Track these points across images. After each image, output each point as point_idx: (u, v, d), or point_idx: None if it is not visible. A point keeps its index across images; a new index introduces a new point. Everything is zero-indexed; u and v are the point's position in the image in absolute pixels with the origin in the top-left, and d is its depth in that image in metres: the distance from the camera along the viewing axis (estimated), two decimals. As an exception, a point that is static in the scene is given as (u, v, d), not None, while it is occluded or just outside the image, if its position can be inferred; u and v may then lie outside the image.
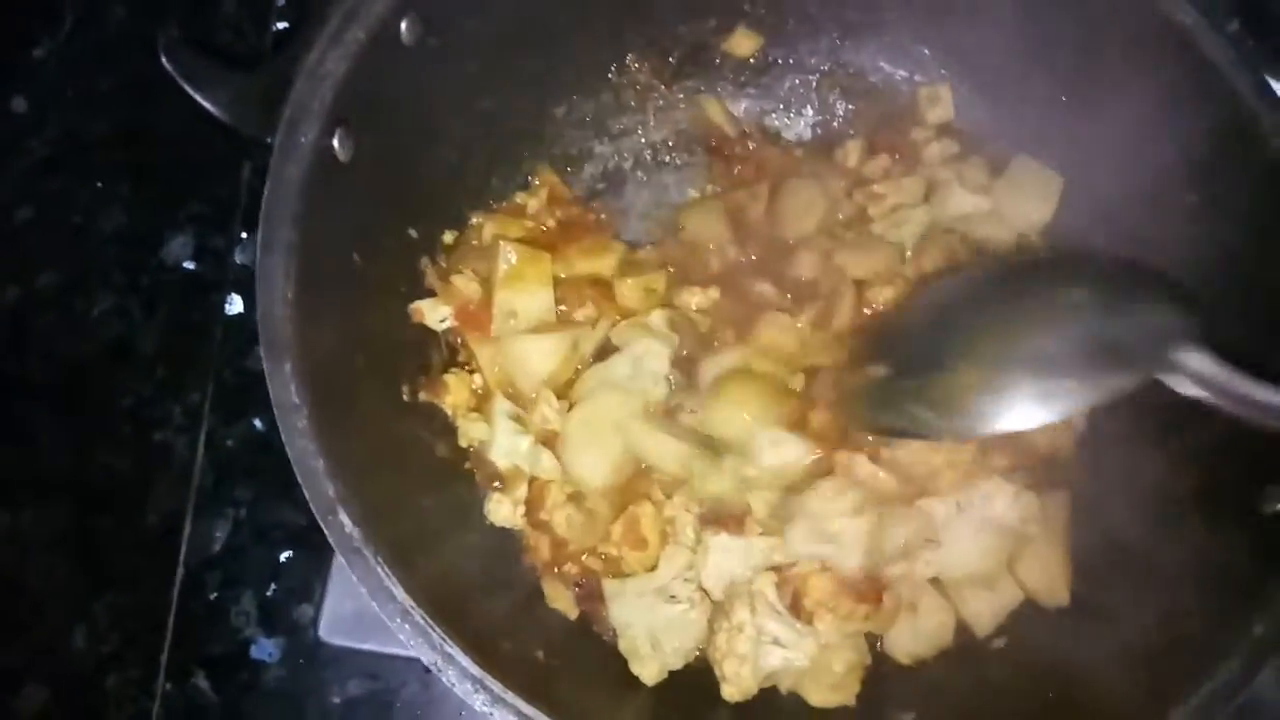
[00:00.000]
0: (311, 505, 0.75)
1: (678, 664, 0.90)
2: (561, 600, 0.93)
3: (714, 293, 1.00)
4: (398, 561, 0.76)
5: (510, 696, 0.72)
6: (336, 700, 1.10)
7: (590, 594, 0.92)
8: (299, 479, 0.76)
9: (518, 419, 0.94)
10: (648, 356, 0.94)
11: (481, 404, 0.96)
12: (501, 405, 0.93)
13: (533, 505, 0.92)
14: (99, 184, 1.25)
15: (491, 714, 0.71)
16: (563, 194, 1.03)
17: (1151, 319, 0.69)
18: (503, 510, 0.94)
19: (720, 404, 0.93)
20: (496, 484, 0.96)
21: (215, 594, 1.13)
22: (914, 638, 0.93)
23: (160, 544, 1.14)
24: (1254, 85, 0.88)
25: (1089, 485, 0.98)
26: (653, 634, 0.89)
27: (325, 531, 0.75)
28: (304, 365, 0.79)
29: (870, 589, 0.87)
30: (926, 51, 1.14)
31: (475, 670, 0.73)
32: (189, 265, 1.24)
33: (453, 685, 0.72)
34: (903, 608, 0.90)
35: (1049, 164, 1.08)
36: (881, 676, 0.93)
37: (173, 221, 1.24)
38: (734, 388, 0.93)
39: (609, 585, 0.91)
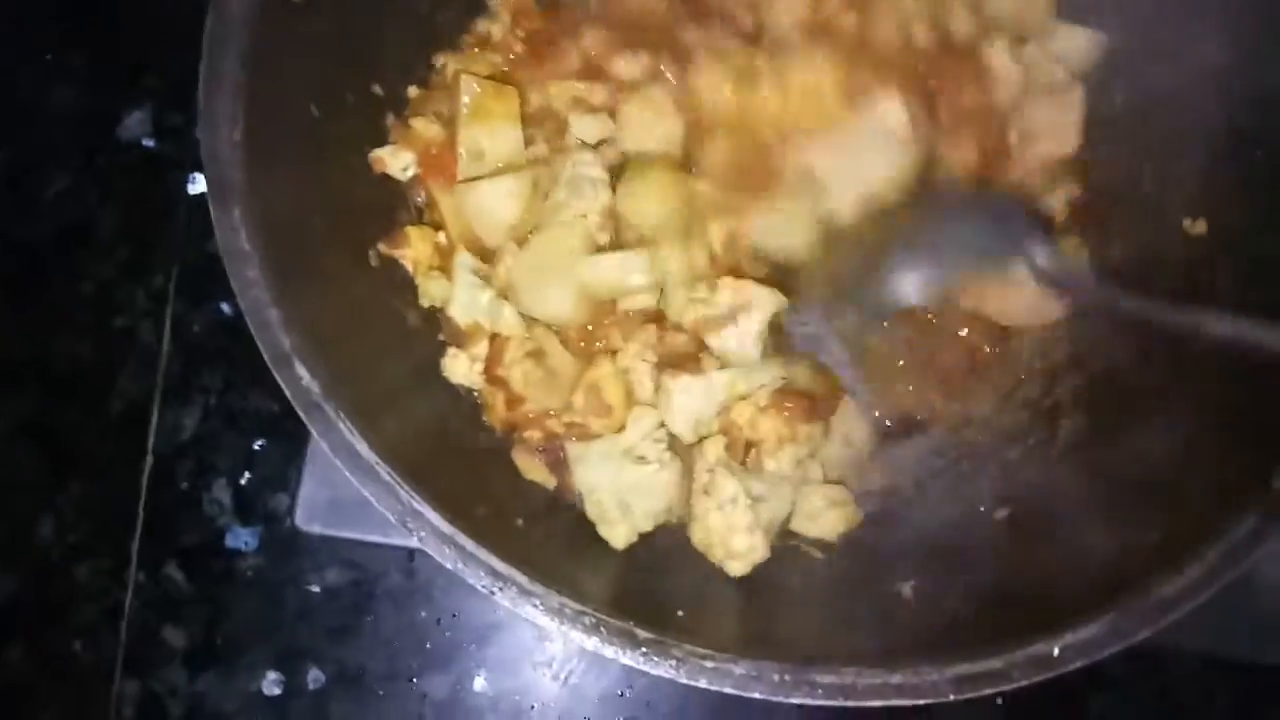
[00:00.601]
0: (266, 357, 0.71)
1: (648, 526, 0.87)
2: (536, 471, 0.88)
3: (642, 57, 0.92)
4: (363, 419, 0.71)
5: (483, 553, 0.68)
6: (315, 589, 1.07)
7: (556, 460, 0.88)
8: (251, 329, 0.71)
9: (479, 273, 0.88)
10: (579, 169, 0.88)
11: (445, 260, 0.90)
12: (463, 259, 0.88)
13: (491, 361, 0.87)
14: (48, 56, 1.18)
15: (463, 571, 0.67)
16: (526, 5, 0.95)
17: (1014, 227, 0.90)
18: (458, 367, 0.89)
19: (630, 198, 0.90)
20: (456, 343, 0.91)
21: (186, 483, 1.09)
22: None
23: (127, 432, 1.09)
24: None
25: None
26: (620, 497, 0.85)
27: (281, 384, 0.70)
28: (255, 213, 0.73)
29: (808, 402, 0.87)
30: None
31: (445, 528, 0.68)
32: (148, 142, 1.17)
33: (423, 544, 0.68)
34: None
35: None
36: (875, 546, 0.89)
37: (129, 97, 1.17)
38: (638, 179, 0.89)
39: (573, 449, 0.87)
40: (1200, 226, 0.91)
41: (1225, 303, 0.75)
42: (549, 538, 0.82)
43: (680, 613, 0.76)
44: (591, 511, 0.86)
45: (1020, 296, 0.90)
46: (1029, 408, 0.99)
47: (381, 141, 0.93)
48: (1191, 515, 0.76)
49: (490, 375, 0.87)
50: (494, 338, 0.88)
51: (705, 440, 0.87)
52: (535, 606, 0.68)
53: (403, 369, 0.87)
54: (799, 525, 0.90)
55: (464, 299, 0.88)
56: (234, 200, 0.72)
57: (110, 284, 1.13)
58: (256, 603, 1.07)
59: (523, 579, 0.68)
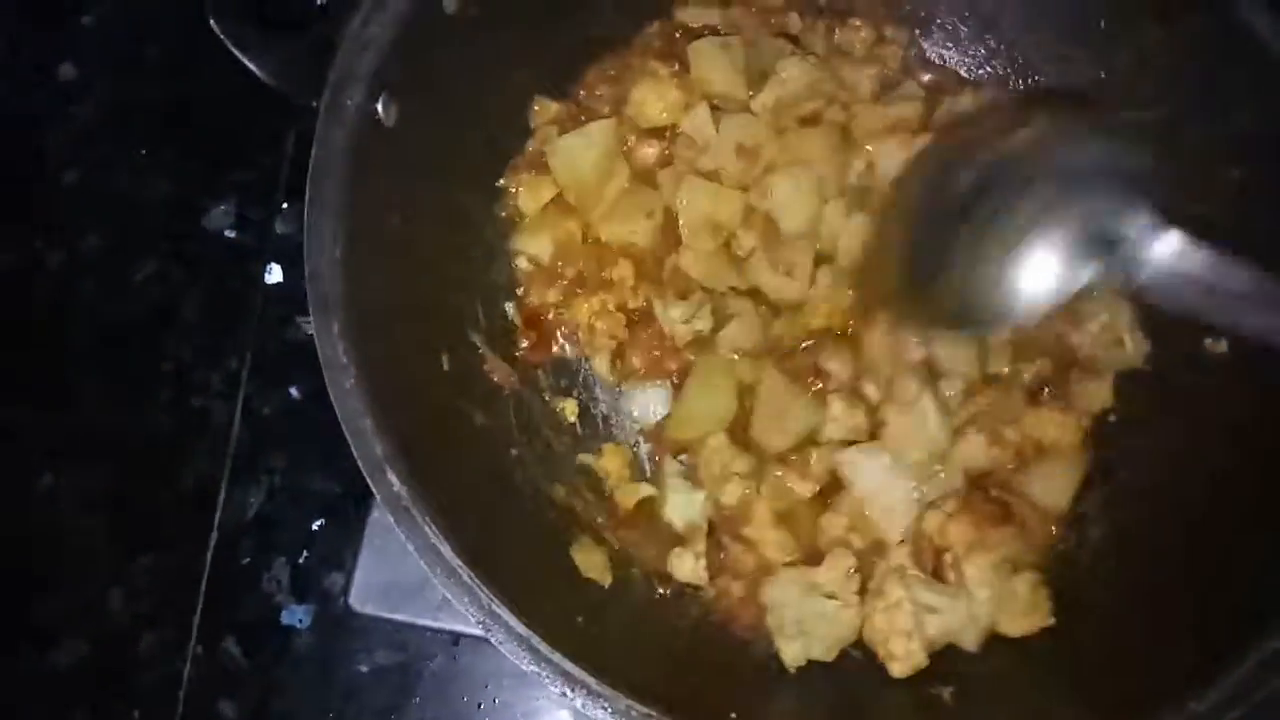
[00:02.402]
0: (360, 463, 0.76)
1: (823, 655, 0.91)
2: (595, 569, 0.93)
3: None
4: (444, 522, 0.76)
5: (556, 656, 0.72)
6: (364, 669, 1.11)
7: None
8: (348, 437, 0.76)
9: (685, 475, 0.96)
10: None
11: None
12: (671, 465, 0.96)
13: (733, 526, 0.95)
14: (143, 151, 1.27)
15: (538, 673, 0.71)
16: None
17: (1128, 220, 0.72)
18: (684, 565, 0.95)
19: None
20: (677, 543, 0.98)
21: (248, 559, 1.14)
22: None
23: (196, 508, 1.15)
24: None
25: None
26: (801, 621, 0.90)
27: (374, 490, 0.75)
28: (351, 326, 0.79)
29: (997, 505, 0.90)
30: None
31: (522, 629, 0.73)
32: (230, 233, 1.25)
33: (500, 645, 0.72)
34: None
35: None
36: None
37: (215, 190, 1.26)
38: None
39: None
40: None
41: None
42: (607, 635, 0.86)
43: (733, 715, 0.80)
44: (772, 622, 0.91)
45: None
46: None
47: (456, 252, 1.01)
48: (1225, 628, 0.79)
49: (736, 536, 0.94)
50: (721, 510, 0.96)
51: (894, 547, 0.92)
52: (604, 709, 0.71)
53: (473, 470, 0.92)
54: (997, 626, 0.93)
55: (678, 502, 0.96)
56: (334, 315, 0.78)
57: (189, 365, 1.20)
58: (308, 681, 1.11)
59: (593, 682, 0.72)
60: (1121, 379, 1.02)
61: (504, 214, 1.07)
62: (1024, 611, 0.93)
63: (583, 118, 1.07)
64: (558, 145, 1.04)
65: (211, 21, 0.85)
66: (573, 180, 1.04)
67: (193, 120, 1.28)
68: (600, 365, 1.03)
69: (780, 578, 0.91)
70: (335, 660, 1.12)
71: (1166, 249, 0.70)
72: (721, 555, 0.94)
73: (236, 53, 0.85)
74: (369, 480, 0.75)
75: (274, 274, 1.23)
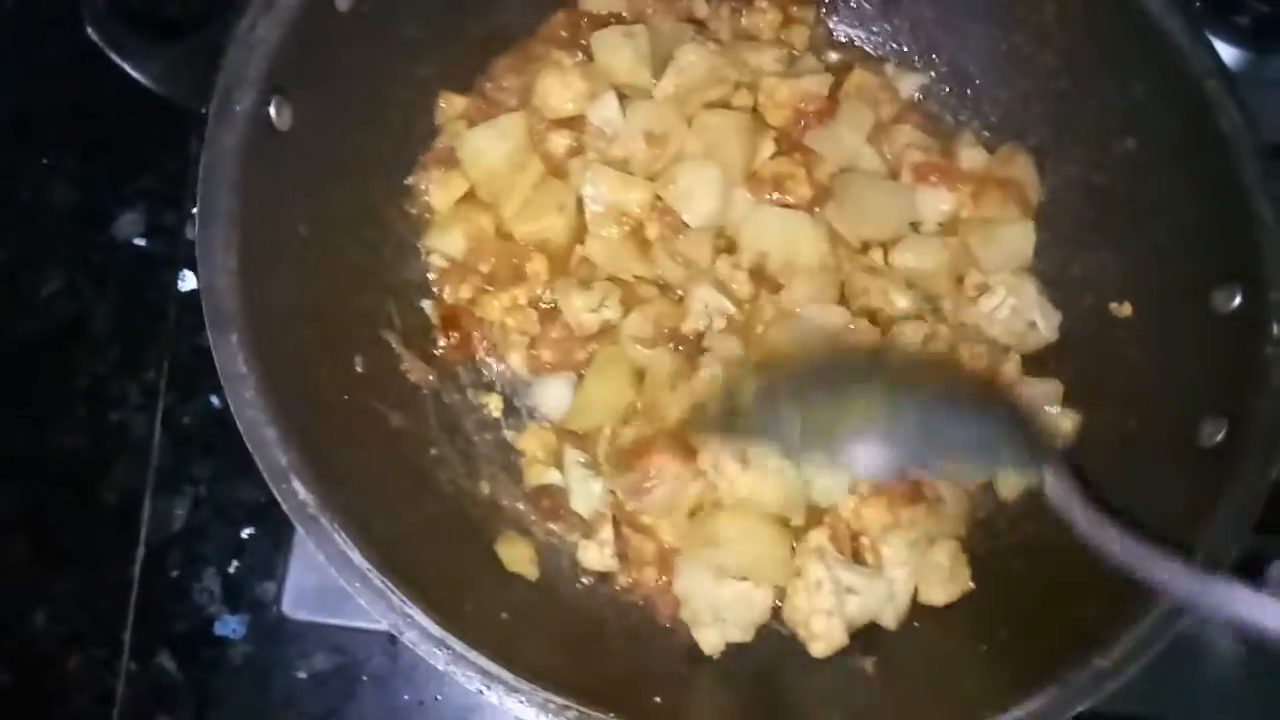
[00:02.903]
0: (264, 474, 0.75)
1: (741, 637, 0.93)
2: (520, 564, 0.93)
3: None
4: (354, 527, 0.76)
5: (473, 655, 0.72)
6: (302, 675, 1.10)
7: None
8: (249, 448, 0.76)
9: (587, 465, 0.96)
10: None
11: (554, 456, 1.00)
12: (571, 454, 0.97)
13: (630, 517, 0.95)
14: (45, 160, 1.23)
15: (453, 672, 0.72)
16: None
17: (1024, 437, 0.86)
18: (591, 555, 0.96)
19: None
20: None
21: (177, 572, 1.12)
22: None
23: (120, 523, 1.13)
24: (1186, 30, 0.92)
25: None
26: (716, 608, 0.91)
27: (279, 500, 0.75)
28: (250, 335, 0.78)
29: (908, 485, 0.92)
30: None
31: (436, 630, 0.73)
32: (140, 241, 1.22)
33: (415, 646, 0.73)
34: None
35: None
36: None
37: (122, 198, 1.23)
38: None
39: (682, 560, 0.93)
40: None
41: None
42: (532, 629, 0.86)
43: (657, 699, 0.81)
44: (686, 615, 0.92)
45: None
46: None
47: (366, 251, 1.00)
48: (1126, 590, 0.81)
49: (636, 525, 0.94)
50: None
51: (811, 530, 0.93)
52: (521, 703, 0.72)
53: (389, 472, 0.92)
54: (921, 595, 0.96)
55: (580, 492, 0.96)
56: (231, 326, 0.77)
57: (103, 378, 1.17)
58: (245, 690, 1.10)
59: (509, 676, 0.73)
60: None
61: (415, 211, 1.06)
62: (945, 581, 0.96)
63: (491, 111, 1.06)
64: (466, 140, 1.03)
65: (89, 29, 0.83)
66: (483, 175, 1.03)
67: (95, 126, 1.25)
68: (515, 360, 1.03)
69: (689, 568, 0.92)
70: (272, 668, 1.11)
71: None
72: (624, 544, 0.95)
73: (117, 59, 0.83)
74: (273, 490, 0.75)
75: (187, 281, 1.20)
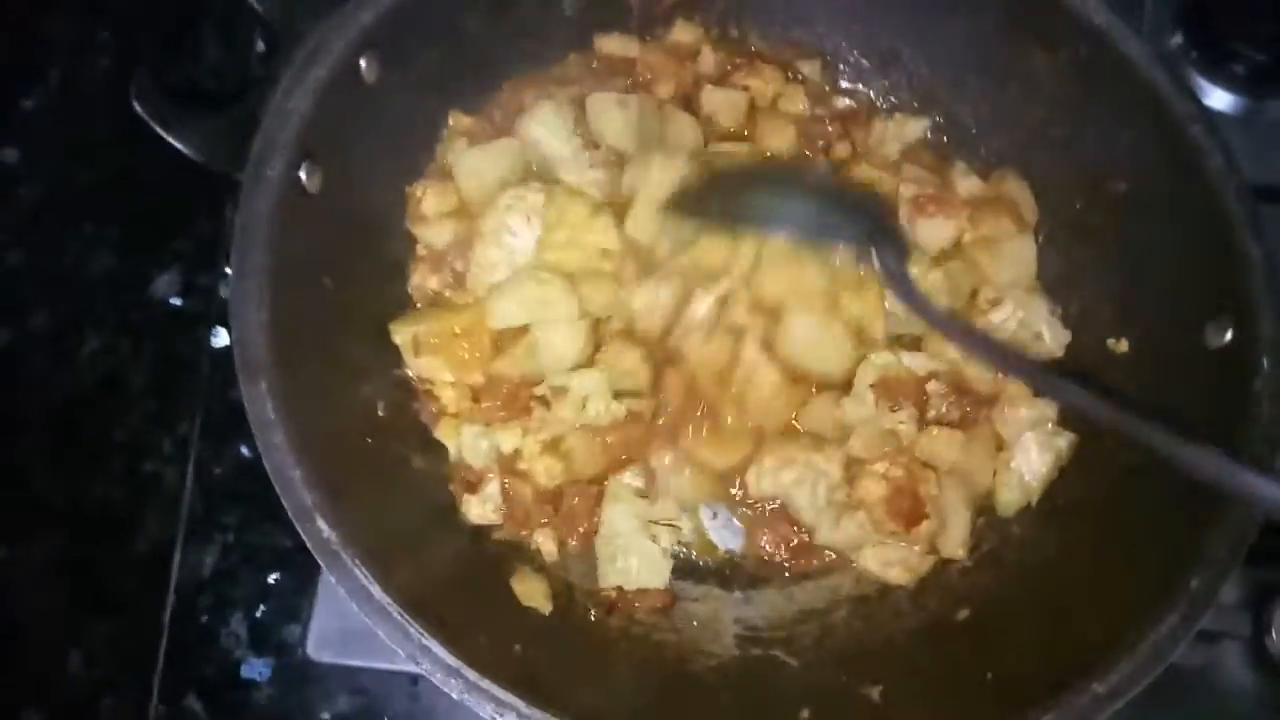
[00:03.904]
0: (290, 513, 0.79)
1: (629, 586, 1.00)
2: (534, 598, 0.96)
3: None
4: (375, 564, 0.80)
5: (485, 683, 0.75)
6: (326, 716, 1.13)
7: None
8: (277, 489, 0.80)
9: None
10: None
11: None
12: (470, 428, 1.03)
13: (509, 464, 1.00)
14: (88, 227, 1.31)
15: (466, 700, 0.75)
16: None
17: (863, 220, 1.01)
18: (473, 508, 1.00)
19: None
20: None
21: (206, 617, 1.16)
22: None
23: (152, 570, 1.17)
24: (1170, 79, 0.96)
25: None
26: (626, 552, 0.98)
27: (304, 537, 0.79)
28: (279, 383, 0.83)
29: (913, 509, 0.98)
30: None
31: (451, 660, 0.76)
32: (175, 301, 1.28)
33: (430, 675, 0.76)
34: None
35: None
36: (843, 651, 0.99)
37: (159, 260, 1.30)
38: None
39: (614, 487, 1.01)
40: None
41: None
42: (547, 663, 0.89)
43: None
44: (600, 547, 0.98)
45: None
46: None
47: (387, 302, 1.05)
48: (1124, 617, 0.84)
49: (512, 471, 1.00)
50: (502, 457, 1.02)
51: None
52: (534, 732, 0.75)
53: (410, 511, 0.96)
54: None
55: (471, 447, 1.01)
56: (261, 375, 0.82)
57: (139, 432, 1.23)
58: (271, 733, 1.13)
59: (521, 704, 0.75)
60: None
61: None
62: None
63: (493, 134, 1.12)
64: (462, 158, 1.09)
65: (135, 103, 0.90)
66: (475, 192, 1.08)
67: (135, 193, 1.32)
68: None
69: (622, 503, 0.99)
70: (297, 710, 1.13)
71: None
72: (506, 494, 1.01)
73: (162, 132, 0.90)
74: (298, 528, 0.79)
75: (220, 338, 1.26)
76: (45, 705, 1.14)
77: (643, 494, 1.02)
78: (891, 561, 1.01)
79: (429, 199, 1.09)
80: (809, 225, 1.02)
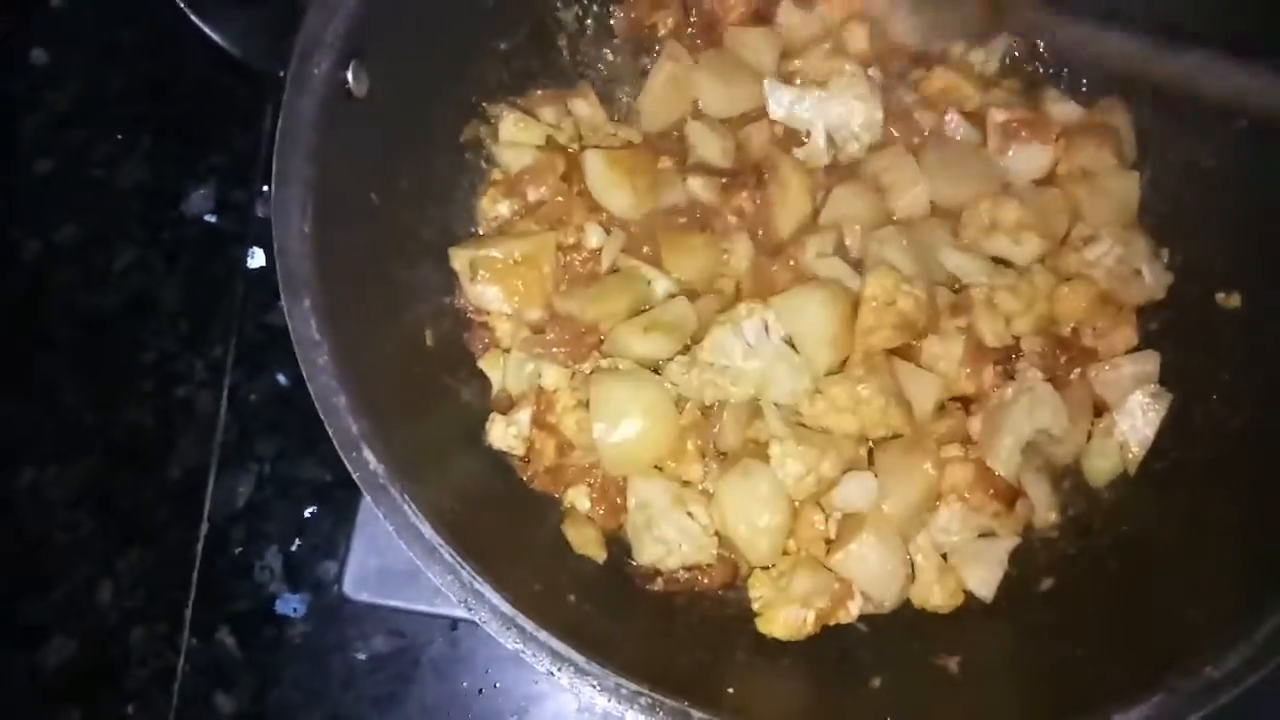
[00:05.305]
0: (335, 442, 0.73)
1: (672, 564, 0.90)
2: (588, 546, 0.90)
3: None
4: (424, 501, 0.74)
5: (543, 635, 0.69)
6: (362, 656, 1.09)
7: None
8: (321, 415, 0.74)
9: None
10: None
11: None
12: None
13: (543, 411, 0.92)
14: (119, 136, 1.24)
15: (522, 651, 0.69)
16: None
17: None
18: (497, 431, 0.93)
19: None
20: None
21: (239, 549, 1.12)
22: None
23: (184, 499, 1.13)
24: None
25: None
26: (660, 527, 0.89)
27: (350, 468, 0.73)
28: (324, 302, 0.77)
29: (1008, 490, 0.89)
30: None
31: (507, 609, 0.70)
32: (210, 218, 1.22)
33: (485, 624, 0.70)
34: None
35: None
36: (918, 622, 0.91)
37: (194, 174, 1.23)
38: None
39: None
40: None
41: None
42: (600, 613, 0.83)
43: (730, 689, 0.78)
44: (631, 522, 0.90)
45: None
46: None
47: (428, 223, 0.97)
48: (1242, 597, 0.77)
49: (541, 423, 0.92)
50: (541, 393, 0.93)
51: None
52: (593, 686, 0.69)
53: (459, 448, 0.90)
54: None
55: (515, 371, 0.94)
56: (305, 290, 0.75)
57: (171, 355, 1.18)
58: (304, 670, 1.09)
59: (580, 659, 0.70)
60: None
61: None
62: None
63: None
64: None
65: (171, -9, 0.82)
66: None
67: (168, 103, 1.25)
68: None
69: (647, 483, 0.90)
70: (332, 649, 1.10)
71: None
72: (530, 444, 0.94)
73: (196, 20, 0.82)
74: (344, 458, 0.73)
75: (256, 258, 1.20)
76: (76, 633, 1.10)
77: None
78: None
79: (508, 123, 1.01)
80: None
